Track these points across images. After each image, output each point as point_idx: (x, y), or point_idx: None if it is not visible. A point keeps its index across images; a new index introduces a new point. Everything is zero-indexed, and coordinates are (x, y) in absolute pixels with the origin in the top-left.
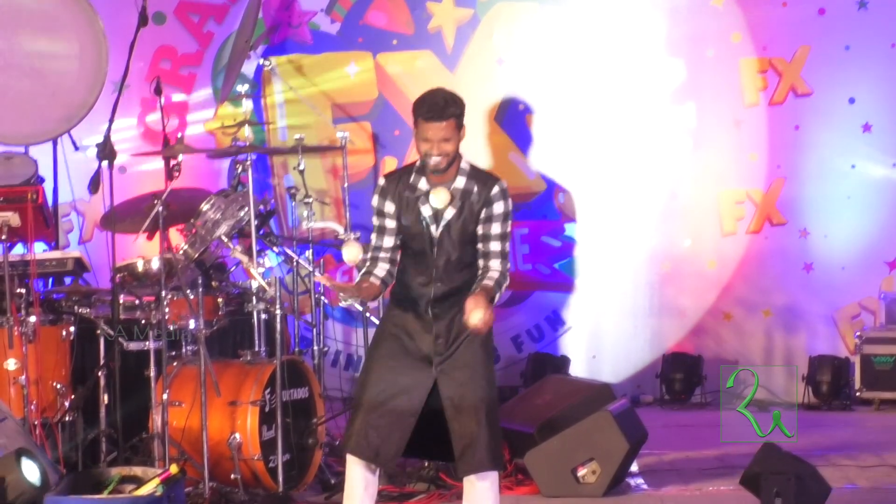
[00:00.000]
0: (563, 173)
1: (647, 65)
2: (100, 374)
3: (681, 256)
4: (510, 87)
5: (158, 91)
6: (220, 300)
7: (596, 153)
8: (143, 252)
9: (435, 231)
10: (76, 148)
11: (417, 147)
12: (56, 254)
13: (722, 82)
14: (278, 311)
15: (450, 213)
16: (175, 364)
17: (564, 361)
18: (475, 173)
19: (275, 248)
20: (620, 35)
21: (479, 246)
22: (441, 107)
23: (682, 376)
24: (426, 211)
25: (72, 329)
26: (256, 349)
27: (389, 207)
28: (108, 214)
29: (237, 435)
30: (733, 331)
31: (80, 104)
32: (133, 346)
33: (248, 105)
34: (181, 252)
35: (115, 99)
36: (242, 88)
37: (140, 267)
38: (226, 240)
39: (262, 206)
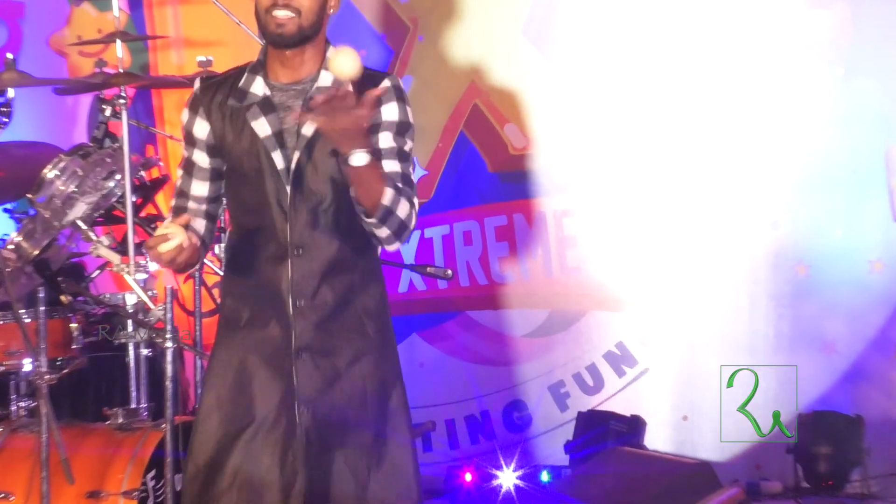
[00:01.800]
0: (634, 121)
1: None
2: None
3: (827, 254)
4: None
5: None
6: (74, 325)
7: (686, 87)
8: None
9: (282, 160)
10: None
11: (256, 15)
12: None
13: None
14: (170, 344)
15: (309, 130)
16: (1, 430)
17: (637, 425)
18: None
19: None
20: None
21: None
22: None
23: (830, 450)
24: (262, 128)
25: None
26: (134, 406)
27: (201, 129)
28: None
29: None
30: None
31: None
32: None
33: (121, 9)
34: (11, 247)
35: None
36: None
37: None
38: (84, 227)
39: (142, 172)
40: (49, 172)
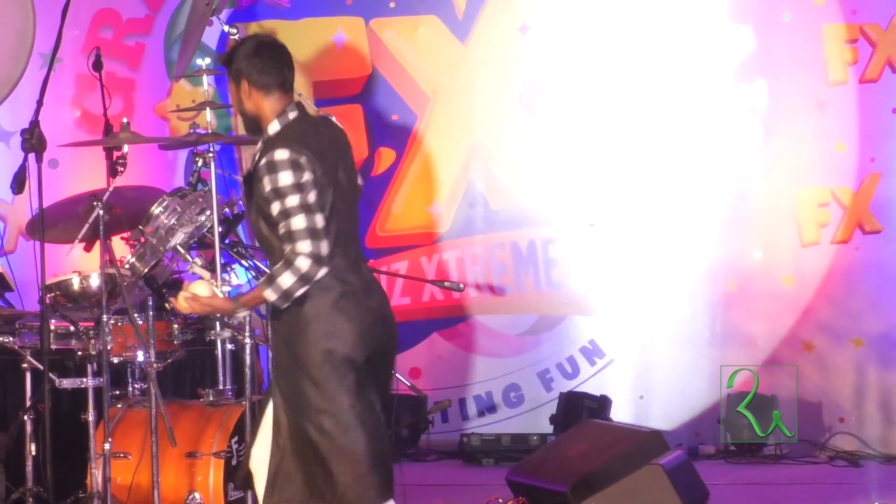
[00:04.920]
0: (602, 168)
1: (706, 33)
2: (26, 417)
3: (750, 272)
4: (536, 63)
5: (98, 66)
6: (175, 326)
7: (643, 144)
8: (80, 266)
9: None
10: None
11: None
12: None
13: (800, 54)
14: (248, 341)
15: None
16: (119, 406)
17: (604, 403)
18: (272, 137)
19: (244, 262)
20: None
21: None
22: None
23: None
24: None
25: None
26: (221, 387)
27: None
28: (35, 219)
29: (197, 494)
30: (816, 365)
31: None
32: (67, 383)
33: (209, 83)
34: (127, 266)
35: (44, 75)
36: (203, 63)
37: (76, 285)
38: (182, 251)
39: (227, 209)
40: (155, 209)
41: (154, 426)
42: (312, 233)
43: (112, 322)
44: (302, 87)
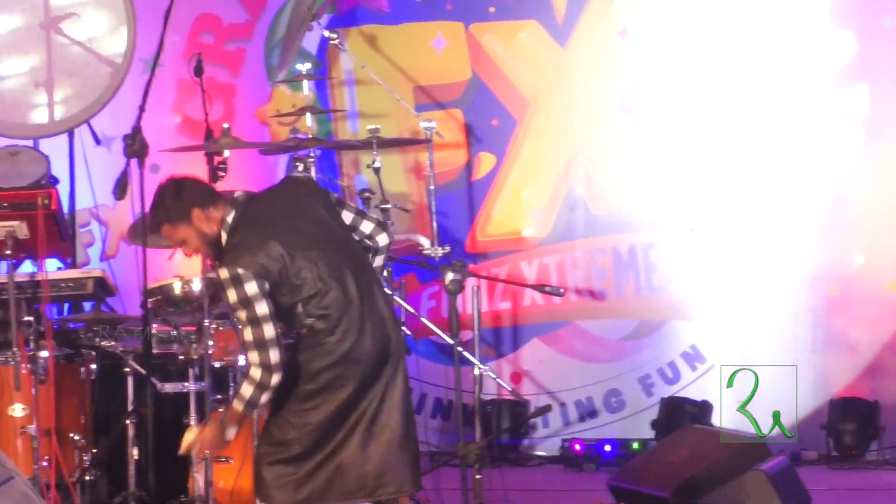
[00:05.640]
0: (703, 173)
1: (808, 38)
2: (128, 422)
3: (852, 277)
4: (636, 67)
5: (199, 71)
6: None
7: (744, 148)
8: (182, 271)
9: None
10: (98, 142)
11: None
12: (73, 273)
13: None
14: None
15: None
16: (221, 410)
17: (706, 408)
18: (224, 251)
19: None
20: (774, 1)
21: None
22: (152, 224)
23: (854, 427)
24: None
25: (93, 367)
26: None
27: None
28: (137, 224)
29: None
30: None
31: (102, 87)
32: (169, 387)
33: (309, 88)
34: None
35: (145, 81)
36: (303, 67)
37: (177, 289)
38: None
39: None
40: None
41: (256, 430)
42: (260, 344)
43: (214, 326)
44: (402, 91)
